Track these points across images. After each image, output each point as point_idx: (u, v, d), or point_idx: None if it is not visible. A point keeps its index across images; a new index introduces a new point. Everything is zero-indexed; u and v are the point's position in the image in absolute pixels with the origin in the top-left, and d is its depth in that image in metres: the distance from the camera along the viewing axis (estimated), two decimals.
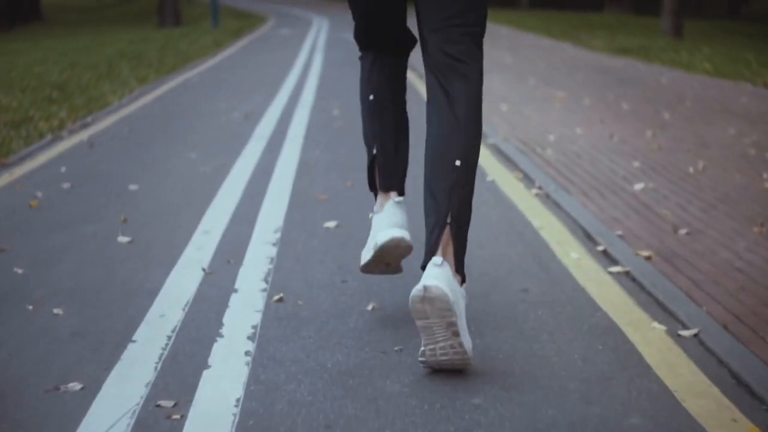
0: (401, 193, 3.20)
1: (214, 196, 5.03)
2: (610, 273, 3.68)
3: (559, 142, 6.77)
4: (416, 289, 2.64)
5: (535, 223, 4.45)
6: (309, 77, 11.62)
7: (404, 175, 3.22)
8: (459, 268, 2.79)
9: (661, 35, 19.37)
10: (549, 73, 11.93)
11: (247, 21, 27.70)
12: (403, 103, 3.22)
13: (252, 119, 8.00)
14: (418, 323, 2.67)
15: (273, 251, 3.97)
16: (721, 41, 19.12)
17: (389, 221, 3.08)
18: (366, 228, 4.27)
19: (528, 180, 5.48)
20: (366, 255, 3.18)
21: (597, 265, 3.77)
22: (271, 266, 3.76)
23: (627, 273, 3.68)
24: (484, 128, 7.40)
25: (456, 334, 2.65)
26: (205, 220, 4.52)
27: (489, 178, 5.51)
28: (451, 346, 2.66)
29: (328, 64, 13.33)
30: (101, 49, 17.27)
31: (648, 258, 3.85)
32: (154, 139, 7.06)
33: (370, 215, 3.22)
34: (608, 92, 9.83)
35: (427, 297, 2.63)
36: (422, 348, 2.70)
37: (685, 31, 20.46)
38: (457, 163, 2.78)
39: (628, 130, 7.26)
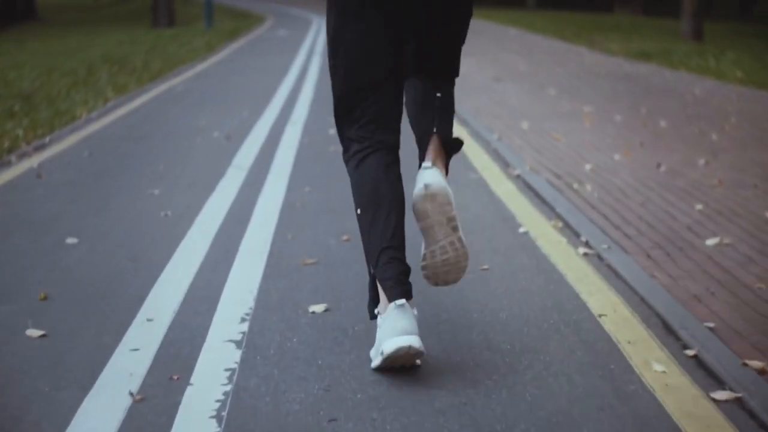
0: (407, 297, 2.85)
1: (168, 259, 3.91)
2: (715, 400, 2.57)
3: (597, 173, 5.66)
4: (417, 189, 2.81)
5: (592, 304, 3.34)
6: (304, 86, 10.51)
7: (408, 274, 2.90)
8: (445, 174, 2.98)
9: (680, 38, 18.25)
10: (569, 81, 10.82)
11: (244, 21, 26.59)
12: (402, 206, 2.89)
13: (234, 141, 6.88)
14: (420, 225, 2.84)
15: (234, 358, 2.86)
16: (742, 45, 17.98)
17: (394, 328, 2.75)
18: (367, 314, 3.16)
19: (570, 231, 4.36)
20: (375, 359, 2.86)
21: (693, 387, 2.66)
22: (228, 387, 2.65)
23: (738, 400, 2.58)
24: (506, 154, 6.29)
25: (455, 228, 2.84)
26: (149, 300, 3.41)
27: (522, 229, 4.39)
28: (451, 243, 2.83)
29: (325, 69, 12.21)
30: (86, 52, 16.17)
31: (762, 372, 2.74)
32: (115, 167, 5.95)
33: (376, 312, 2.88)
34: (639, 105, 8.71)
35: (428, 194, 2.79)
36: (423, 252, 2.87)
37: (703, 34, 19.34)
38: (438, 94, 2.99)
39: (675, 157, 6.14)
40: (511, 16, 27.93)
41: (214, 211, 4.72)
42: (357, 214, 2.88)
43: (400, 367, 2.75)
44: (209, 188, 5.25)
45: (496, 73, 11.72)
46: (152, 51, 15.71)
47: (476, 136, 7.14)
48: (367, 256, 2.87)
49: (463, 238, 2.86)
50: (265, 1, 42.91)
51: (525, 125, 7.59)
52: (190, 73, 12.17)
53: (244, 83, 10.84)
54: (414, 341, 2.72)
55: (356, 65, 2.86)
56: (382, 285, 2.80)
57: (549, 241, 4.19)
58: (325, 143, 6.74)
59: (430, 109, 2.98)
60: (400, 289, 2.77)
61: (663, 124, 7.63)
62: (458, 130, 7.50)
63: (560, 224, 4.48)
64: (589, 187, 5.26)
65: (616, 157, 6.19)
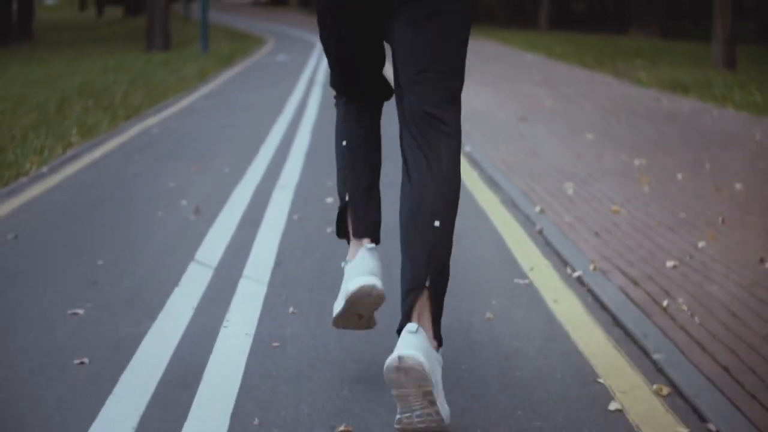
0: (375, 241, 3.09)
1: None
2: None
3: (685, 275, 4.19)
4: (391, 359, 2.59)
5: None
6: (300, 129, 9.08)
7: (378, 223, 3.12)
8: (436, 333, 2.75)
9: (712, 66, 16.79)
10: (606, 122, 9.36)
11: (243, 44, 25.19)
12: (378, 149, 3.15)
13: (204, 216, 5.41)
14: (394, 392, 2.62)
15: None
16: None
17: (361, 268, 2.96)
18: None
19: (683, 403, 2.88)
20: (337, 306, 3.04)
21: None
22: None
23: None
24: (557, 241, 4.82)
25: (432, 402, 2.61)
26: None
27: (613, 405, 2.88)
28: (428, 414, 2.62)
29: (326, 105, 10.78)
30: (66, 80, 14.75)
31: None
32: (36, 265, 4.47)
33: (342, 264, 3.07)
34: (699, 158, 7.26)
35: (402, 367, 2.58)
36: (398, 416, 2.63)
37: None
38: (436, 223, 2.73)
39: None
40: (526, 38, 26.52)
41: (151, 361, 3.22)
42: (337, 146, 3.10)
43: None
44: (154, 309, 3.75)
45: (521, 111, 10.27)
46: (138, 80, 14.29)
47: (513, 208, 5.68)
48: (342, 186, 3.09)
49: (442, 410, 2.61)
50: (267, 21, 41.59)
51: (570, 189, 6.13)
52: (172, 110, 10.73)
53: (231, 125, 9.40)
54: (378, 283, 2.88)
55: (338, 64, 3.06)
56: (353, 222, 3.04)
57: (650, 421, 2.70)
58: (319, 221, 5.26)
59: (423, 240, 2.72)
60: (374, 235, 3.03)
61: (738, 186, 6.17)
62: (488, 197, 6.05)
63: (666, 389, 2.98)
64: (684, 305, 3.78)
65: (701, 244, 4.72)
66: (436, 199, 2.71)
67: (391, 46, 2.90)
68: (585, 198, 5.88)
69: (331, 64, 3.10)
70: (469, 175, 6.73)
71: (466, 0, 2.90)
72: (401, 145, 2.81)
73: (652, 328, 3.50)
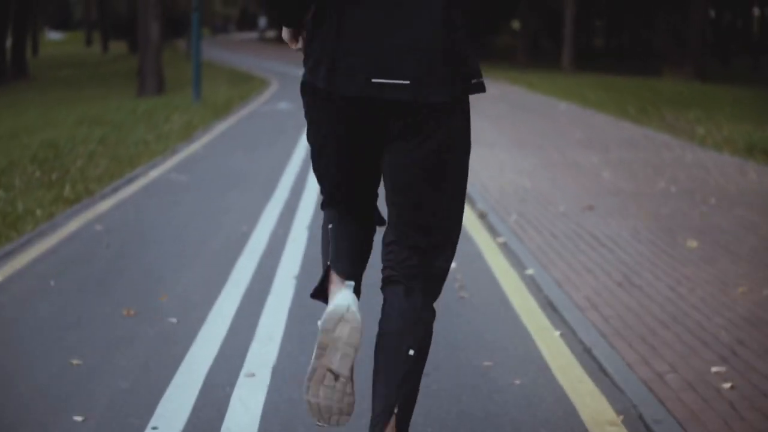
0: (356, 282, 2.87)
1: None
2: None
3: None
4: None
5: None
6: (297, 217, 6.84)
7: (362, 270, 2.92)
8: None
9: None
10: (698, 211, 7.08)
11: (243, 87, 23.03)
12: (368, 250, 2.94)
13: (146, 399, 3.17)
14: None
15: None
16: None
17: (340, 296, 2.76)
18: None
19: None
20: (313, 362, 2.74)
21: None
22: None
23: None
24: None
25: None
26: None
27: None
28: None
29: None
30: (30, 137, 12.57)
31: None
32: None
33: (318, 322, 2.73)
34: None
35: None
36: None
37: None
38: (411, 352, 2.73)
39: None
40: (552, 81, 24.32)
41: None
42: (323, 230, 2.93)
43: None
44: None
45: (579, 191, 8.00)
46: (111, 138, 12.07)
47: (638, 422, 3.39)
48: (325, 255, 2.90)
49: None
50: (273, 59, 39.53)
51: (724, 380, 3.82)
52: (135, 187, 8.49)
53: (201, 218, 7.13)
54: (354, 305, 2.71)
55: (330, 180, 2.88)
56: (333, 266, 2.84)
57: None
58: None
59: (395, 369, 2.73)
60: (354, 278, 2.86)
61: None
62: (586, 389, 3.75)
63: None
64: None
65: None
66: (413, 334, 2.75)
67: (384, 173, 2.80)
68: (748, 394, 3.59)
69: (324, 183, 2.90)
70: (538, 325, 4.46)
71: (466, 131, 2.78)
72: (383, 279, 2.82)
73: None
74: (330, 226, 2.90)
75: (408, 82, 2.62)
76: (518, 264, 5.57)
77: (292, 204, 7.53)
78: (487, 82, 2.88)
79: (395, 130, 2.69)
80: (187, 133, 12.77)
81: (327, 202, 2.92)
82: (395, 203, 2.76)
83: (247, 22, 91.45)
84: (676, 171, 9.27)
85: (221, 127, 13.84)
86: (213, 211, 7.22)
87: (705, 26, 27.75)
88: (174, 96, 20.46)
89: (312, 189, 8.20)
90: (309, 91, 2.73)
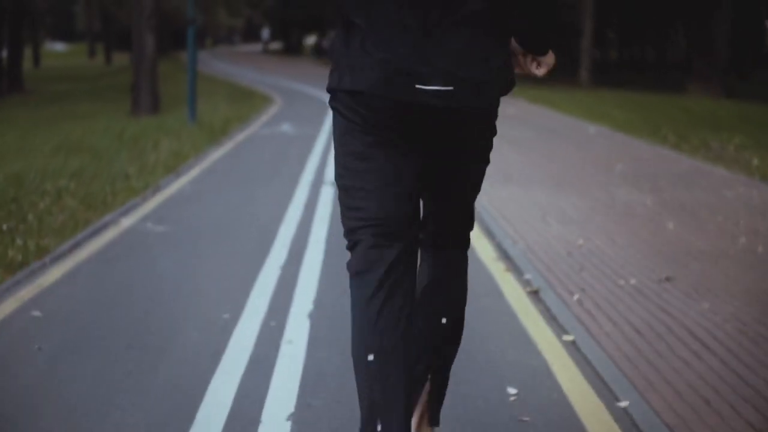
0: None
1: None
2: None
3: None
4: None
5: None
6: (297, 296, 5.30)
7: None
8: (434, 419, 2.91)
9: None
10: None
11: (243, 105, 21.52)
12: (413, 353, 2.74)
13: None
14: None
15: None
16: None
17: None
18: None
19: None
20: None
21: None
22: None
23: None
24: None
25: None
26: None
27: None
28: None
29: (336, 235, 7.10)
30: (3, 165, 11.09)
31: None
32: None
33: None
34: None
35: None
36: None
37: None
38: (443, 319, 2.83)
39: None
40: (572, 99, 22.78)
41: None
42: (358, 360, 2.66)
43: None
44: None
45: (653, 256, 6.44)
46: (86, 171, 10.55)
47: None
48: (361, 403, 2.68)
49: None
50: (277, 73, 38.07)
51: None
52: (98, 243, 6.95)
53: (174, 299, 5.60)
54: None
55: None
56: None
57: None
58: None
59: (427, 340, 2.84)
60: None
61: None
62: None
63: None
64: None
65: None
66: (442, 302, 2.87)
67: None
68: None
69: (362, 196, 2.75)
70: None
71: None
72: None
73: None
74: (371, 357, 2.62)
75: (451, 88, 2.61)
76: (600, 386, 4.03)
77: (290, 272, 5.99)
78: (506, 101, 2.70)
79: (436, 135, 2.71)
80: (176, 164, 11.24)
81: (372, 244, 2.76)
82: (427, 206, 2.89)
83: (252, 34, 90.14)
84: (750, 219, 7.72)
85: (215, 155, 12.32)
86: (189, 290, 5.67)
87: (730, 40, 26.18)
88: (169, 115, 18.96)
89: (318, 236, 6.66)
90: (346, 98, 2.67)
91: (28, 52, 59.04)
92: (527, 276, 5.82)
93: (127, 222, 7.70)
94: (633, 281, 5.71)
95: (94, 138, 14.29)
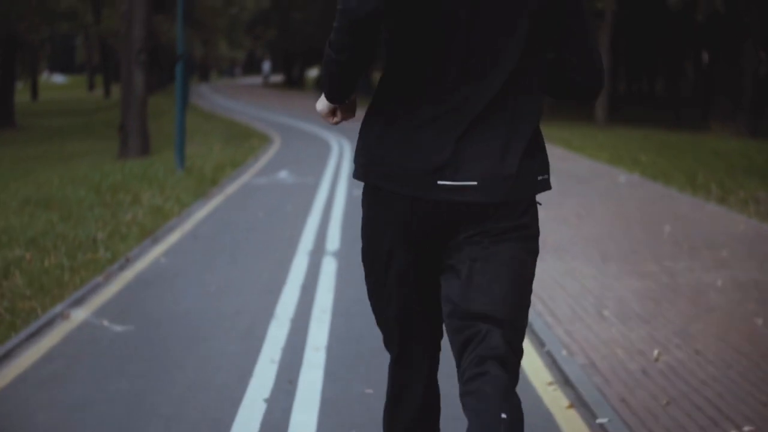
0: None
1: None
2: None
3: None
4: None
5: None
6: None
7: None
8: None
9: None
10: None
11: (239, 146, 20.06)
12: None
13: None
14: None
15: None
16: None
17: None
18: None
19: None
20: None
21: None
22: None
23: None
24: None
25: None
26: None
27: None
28: None
29: (346, 339, 5.55)
30: None
31: None
32: None
33: None
34: None
35: None
36: None
37: None
38: (503, 414, 2.49)
39: None
40: (591, 138, 21.31)
41: None
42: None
43: None
44: None
45: (752, 376, 4.90)
46: (49, 234, 9.05)
47: None
48: None
49: None
50: (278, 109, 36.69)
51: None
52: (29, 359, 5.43)
53: (136, 420, 4.09)
54: None
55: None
56: None
57: None
58: None
59: None
60: None
61: None
62: None
63: None
64: None
65: None
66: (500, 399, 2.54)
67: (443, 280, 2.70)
68: None
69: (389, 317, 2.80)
70: None
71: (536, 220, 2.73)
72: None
73: None
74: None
75: (476, 183, 2.57)
76: None
77: (281, 405, 4.46)
78: None
79: (465, 233, 2.64)
80: (154, 226, 9.72)
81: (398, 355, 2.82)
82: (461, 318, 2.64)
83: (253, 66, 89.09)
84: None
85: (201, 213, 10.80)
86: (149, 425, 4.15)
87: (755, 75, 24.72)
88: (158, 158, 17.49)
89: (313, 370, 5.12)
90: (372, 192, 2.69)
91: (26, 85, 57.80)
92: (601, 419, 4.27)
93: (79, 315, 6.17)
94: (746, 428, 4.17)
95: (70, 189, 12.80)
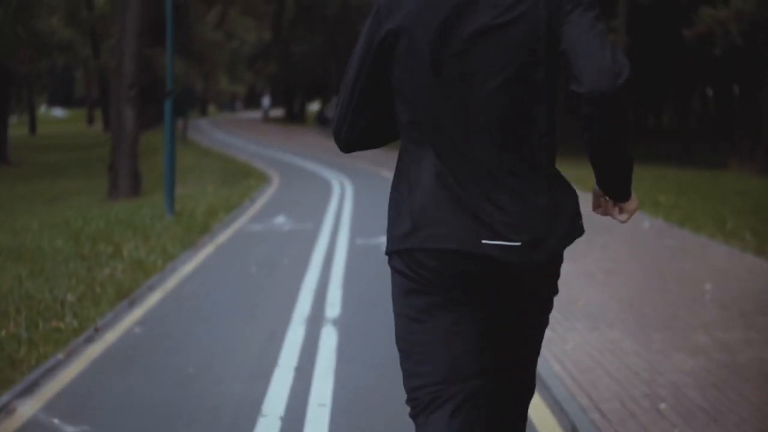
0: None
1: None
2: None
3: None
4: None
5: None
6: None
7: None
8: None
9: None
10: None
11: (235, 187, 19.07)
12: None
13: None
14: None
15: None
16: None
17: None
18: None
19: None
20: None
21: None
22: None
23: None
24: None
25: None
26: None
27: None
28: None
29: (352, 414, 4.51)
30: None
31: None
32: None
33: None
34: None
35: None
36: None
37: None
38: None
39: None
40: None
41: None
42: None
43: None
44: None
45: None
46: (13, 294, 8.03)
47: None
48: None
49: None
50: (277, 146, 35.76)
51: None
52: None
53: None
54: None
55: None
56: None
57: None
58: None
59: None
60: None
61: None
62: None
63: None
64: None
65: None
66: None
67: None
68: None
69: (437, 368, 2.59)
70: None
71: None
72: None
73: None
74: None
75: (519, 243, 2.51)
76: None
77: None
78: None
79: (502, 291, 2.58)
80: (133, 285, 8.67)
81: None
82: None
83: (254, 100, 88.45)
84: None
85: (187, 268, 9.75)
86: None
87: None
88: (146, 202, 16.49)
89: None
90: (407, 258, 2.55)
91: (22, 119, 56.97)
92: None
93: (25, 411, 5.11)
94: None
95: (47, 237, 11.78)
